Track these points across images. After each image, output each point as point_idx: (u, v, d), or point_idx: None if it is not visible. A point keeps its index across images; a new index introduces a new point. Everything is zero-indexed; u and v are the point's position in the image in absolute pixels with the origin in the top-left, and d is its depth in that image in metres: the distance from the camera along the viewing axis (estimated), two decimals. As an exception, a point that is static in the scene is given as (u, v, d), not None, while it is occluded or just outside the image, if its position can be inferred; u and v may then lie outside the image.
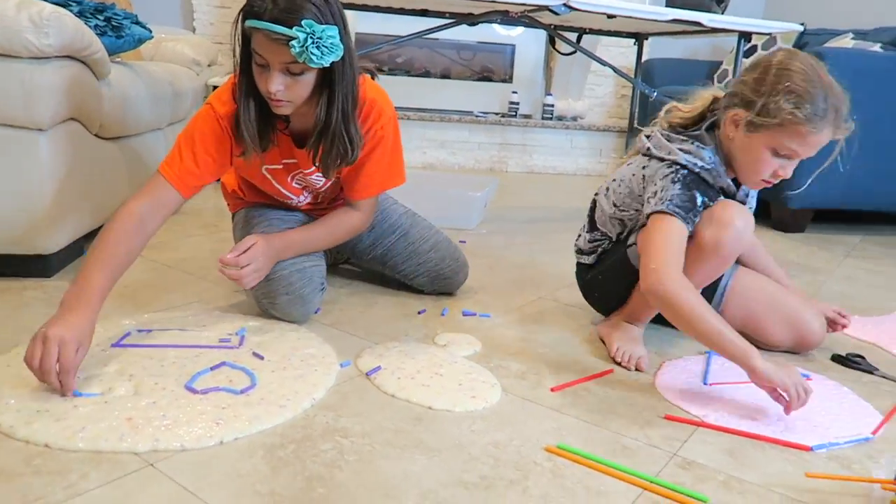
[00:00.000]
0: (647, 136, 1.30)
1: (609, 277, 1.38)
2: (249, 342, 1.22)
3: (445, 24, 2.30)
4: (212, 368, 1.10)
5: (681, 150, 1.22)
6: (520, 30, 4.01)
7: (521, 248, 2.09)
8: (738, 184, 1.28)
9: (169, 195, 1.22)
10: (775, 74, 1.12)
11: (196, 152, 1.23)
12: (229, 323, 1.30)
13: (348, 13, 1.37)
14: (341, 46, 1.13)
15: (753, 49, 3.58)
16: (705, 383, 1.19)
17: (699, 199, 1.19)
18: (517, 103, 4.00)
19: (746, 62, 1.19)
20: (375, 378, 1.12)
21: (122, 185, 1.82)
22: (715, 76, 3.77)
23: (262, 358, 1.16)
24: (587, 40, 3.27)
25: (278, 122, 1.27)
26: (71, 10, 1.57)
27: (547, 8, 2.07)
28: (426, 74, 4.06)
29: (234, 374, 1.09)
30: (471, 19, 2.27)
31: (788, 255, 2.26)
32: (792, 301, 1.35)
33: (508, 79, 4.13)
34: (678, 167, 1.21)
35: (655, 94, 2.52)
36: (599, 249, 1.41)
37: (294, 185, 1.40)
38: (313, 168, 1.33)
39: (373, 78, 1.36)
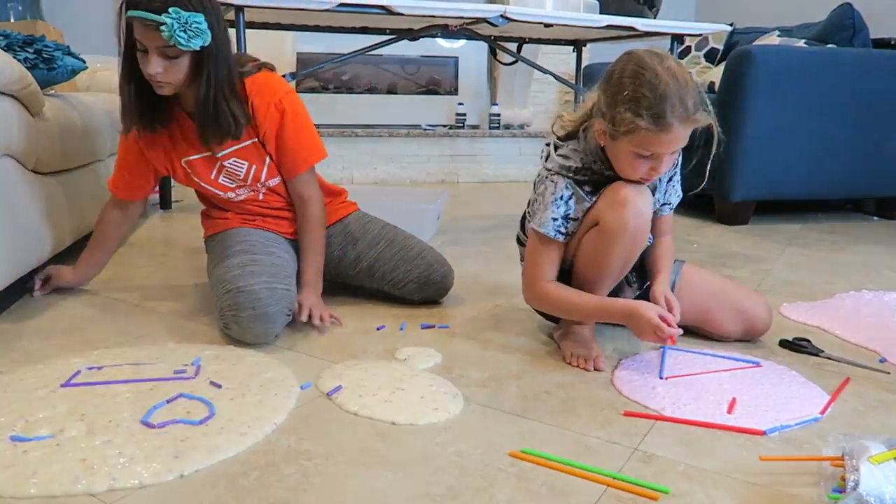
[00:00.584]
0: (547, 144, 1.34)
1: None
2: (206, 371, 1.20)
3: (387, 41, 2.31)
4: (168, 401, 1.08)
5: (559, 155, 1.27)
6: (462, 42, 4.05)
7: (476, 258, 2.11)
8: None
9: (126, 205, 1.58)
10: (615, 83, 1.15)
11: (121, 163, 1.52)
12: (184, 353, 1.28)
13: (289, 33, 1.47)
14: (208, 32, 1.27)
15: (688, 50, 3.70)
16: (661, 377, 1.21)
17: (564, 208, 1.25)
18: (464, 114, 4.04)
19: (606, 73, 1.21)
20: (337, 397, 1.11)
21: (64, 221, 1.77)
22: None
23: (219, 386, 1.14)
24: (528, 49, 3.33)
25: (178, 112, 1.41)
26: (-1, 45, 1.53)
27: (485, 20, 2.10)
28: (372, 90, 4.07)
29: (191, 404, 1.07)
30: (411, 34, 2.29)
31: (734, 246, 2.33)
32: (736, 291, 1.40)
33: (454, 91, 4.17)
34: (549, 174, 1.27)
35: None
36: None
37: (220, 180, 1.47)
38: (226, 152, 1.44)
39: (271, 71, 1.48)
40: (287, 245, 1.52)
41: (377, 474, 0.90)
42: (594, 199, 1.25)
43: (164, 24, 1.22)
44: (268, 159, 1.47)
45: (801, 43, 2.95)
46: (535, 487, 0.88)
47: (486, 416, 1.07)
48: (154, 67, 1.27)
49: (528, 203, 1.35)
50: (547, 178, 1.27)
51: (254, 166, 1.46)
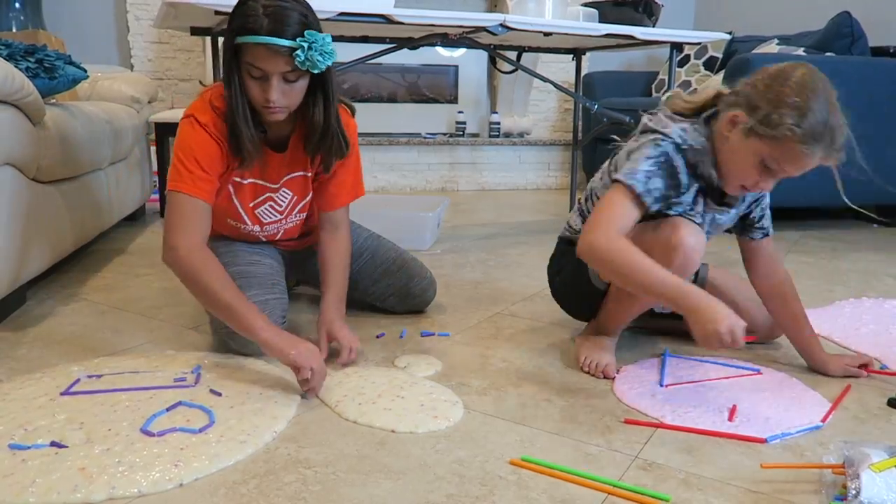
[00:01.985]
0: (650, 118, 1.25)
1: (570, 283, 1.39)
2: (206, 379, 1.20)
3: (387, 49, 2.32)
4: (168, 409, 1.08)
5: (680, 128, 1.19)
6: (462, 51, 4.07)
7: (476, 266, 2.11)
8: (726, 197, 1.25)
9: (200, 211, 1.24)
10: (792, 87, 1.08)
11: (200, 162, 1.25)
12: (184, 361, 1.28)
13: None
14: (335, 51, 1.21)
15: (686, 58, 3.71)
16: (661, 385, 1.21)
17: (664, 182, 1.16)
18: (464, 123, 4.05)
19: (765, 70, 1.15)
20: (336, 406, 1.11)
21: (65, 229, 1.77)
22: (653, 86, 3.89)
23: (219, 394, 1.13)
24: (527, 58, 3.35)
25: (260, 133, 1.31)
26: (0, 54, 1.54)
27: (484, 29, 2.11)
28: (372, 99, 4.08)
29: (191, 413, 1.07)
30: (412, 43, 2.30)
31: (734, 254, 2.33)
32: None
33: (454, 99, 4.18)
34: (665, 138, 1.18)
35: (597, 106, 2.58)
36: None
37: (258, 211, 1.41)
38: (282, 182, 1.38)
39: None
40: (270, 248, 1.49)
41: (377, 482, 0.90)
42: (680, 196, 1.18)
43: (300, 48, 1.15)
44: (309, 195, 1.43)
45: (800, 51, 2.96)
46: (535, 495, 0.87)
47: (486, 423, 1.07)
48: (276, 93, 1.18)
49: (622, 153, 1.24)
50: (653, 140, 1.17)
51: (295, 197, 1.42)
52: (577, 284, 1.36)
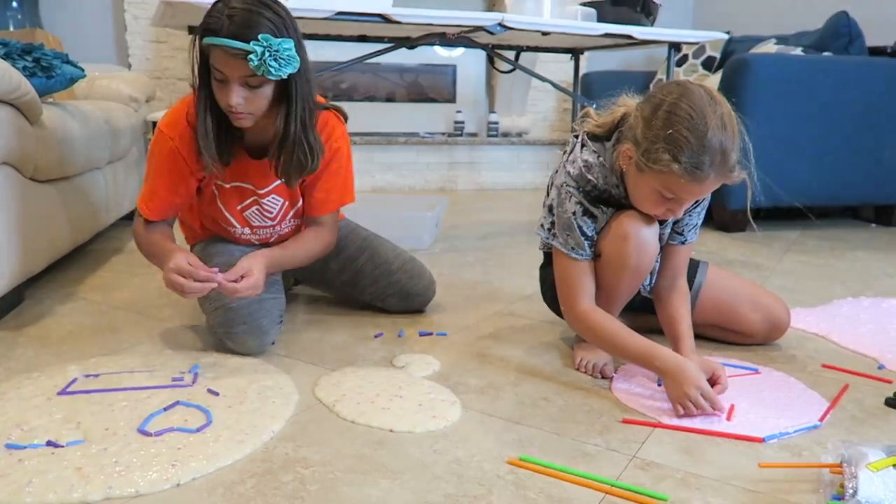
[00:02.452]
0: (575, 136, 1.27)
1: (555, 291, 1.39)
2: (203, 379, 1.19)
3: (385, 49, 2.32)
4: (165, 409, 1.07)
5: (584, 162, 1.20)
6: (460, 50, 4.07)
7: (475, 266, 2.11)
8: None
9: (160, 226, 1.35)
10: (662, 118, 1.07)
11: (156, 181, 1.31)
12: (181, 361, 1.27)
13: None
14: (297, 58, 1.19)
15: (685, 58, 3.71)
16: (659, 384, 1.21)
17: (582, 233, 1.20)
18: (462, 122, 4.05)
19: (648, 97, 1.14)
20: (334, 406, 1.11)
21: (62, 228, 1.77)
22: (651, 86, 3.89)
23: (217, 394, 1.13)
24: (526, 57, 3.34)
25: (234, 138, 1.30)
26: (-3, 53, 1.53)
27: (482, 28, 2.11)
28: (370, 99, 4.08)
29: (188, 412, 1.07)
30: (410, 43, 2.30)
31: (732, 253, 2.33)
32: (758, 291, 1.41)
33: (452, 99, 4.18)
34: (566, 184, 1.21)
35: (595, 106, 2.57)
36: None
37: (246, 214, 1.40)
38: (269, 188, 1.37)
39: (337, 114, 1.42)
40: (266, 249, 1.47)
41: (374, 482, 0.90)
42: (608, 217, 1.22)
43: (253, 52, 1.13)
44: (300, 201, 1.43)
45: (798, 51, 2.96)
46: (532, 495, 0.87)
47: (484, 423, 1.07)
48: (236, 98, 1.17)
49: (544, 204, 1.29)
50: (563, 187, 1.21)
51: (286, 203, 1.41)
52: (555, 292, 1.35)
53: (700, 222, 1.30)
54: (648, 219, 1.20)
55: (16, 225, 1.49)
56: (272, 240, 1.47)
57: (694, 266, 1.40)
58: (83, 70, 1.94)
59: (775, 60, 2.69)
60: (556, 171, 1.28)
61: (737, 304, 1.38)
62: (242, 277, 1.22)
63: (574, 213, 1.21)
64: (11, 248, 1.47)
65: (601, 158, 1.21)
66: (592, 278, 1.24)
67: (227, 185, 1.36)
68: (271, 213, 1.41)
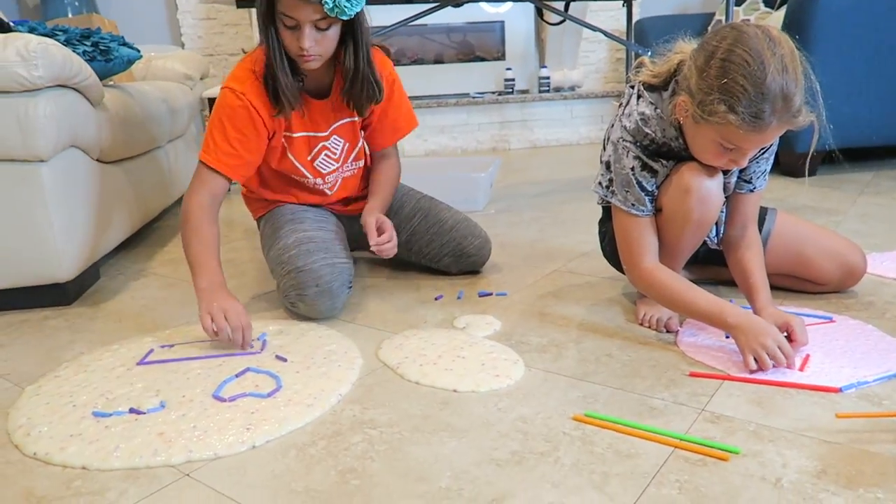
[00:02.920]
0: (631, 87, 1.23)
1: (615, 245, 1.36)
2: (271, 346, 1.23)
3: (431, 9, 2.29)
4: (237, 376, 1.11)
5: (641, 114, 1.16)
6: (507, 5, 3.97)
7: (531, 224, 2.09)
8: None
9: (218, 182, 1.32)
10: (716, 67, 1.02)
11: (228, 134, 1.31)
12: (249, 329, 1.31)
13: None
14: None
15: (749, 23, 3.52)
16: (727, 336, 1.18)
17: (641, 188, 1.17)
18: (513, 80, 3.98)
19: (702, 43, 1.07)
20: (397, 368, 1.13)
21: (131, 207, 1.83)
22: (709, 29, 3.72)
23: (284, 360, 1.17)
24: (575, 7, 3.24)
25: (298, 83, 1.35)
26: (57, 39, 1.58)
27: (530, -21, 2.05)
28: (419, 61, 4.04)
29: (259, 378, 1.11)
30: (455, 0, 2.26)
31: (801, 199, 2.23)
32: (831, 237, 1.35)
33: (501, 56, 4.10)
34: (622, 139, 1.17)
35: (650, 53, 2.48)
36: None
37: (316, 163, 1.46)
38: (331, 129, 1.43)
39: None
40: (335, 218, 1.54)
41: (441, 441, 0.91)
42: (669, 171, 1.18)
43: None
44: (361, 140, 1.52)
45: (870, -21, 2.76)
46: (599, 451, 0.87)
47: (547, 381, 1.07)
48: (308, 41, 1.23)
49: (601, 160, 1.26)
50: (620, 142, 1.18)
51: (347, 144, 1.48)
52: (615, 248, 1.32)
53: (769, 168, 1.25)
54: (711, 170, 1.15)
55: (89, 206, 1.56)
56: (337, 185, 1.52)
57: (763, 213, 1.35)
58: (139, 51, 1.98)
59: (846, -9, 2.52)
60: (612, 126, 1.23)
61: (808, 251, 1.33)
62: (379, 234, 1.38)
63: (633, 169, 1.17)
64: (87, 227, 1.54)
65: (658, 110, 1.16)
66: (655, 235, 1.20)
67: (296, 136, 1.41)
68: (335, 154, 1.47)
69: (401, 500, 0.79)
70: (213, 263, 1.27)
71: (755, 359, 1.05)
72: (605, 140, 1.28)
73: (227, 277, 1.65)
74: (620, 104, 1.24)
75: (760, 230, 1.32)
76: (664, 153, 1.19)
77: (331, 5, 1.19)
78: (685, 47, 1.16)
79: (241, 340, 1.20)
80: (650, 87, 1.19)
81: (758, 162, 1.22)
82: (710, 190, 1.15)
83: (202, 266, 1.26)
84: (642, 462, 0.84)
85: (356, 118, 1.45)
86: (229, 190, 1.36)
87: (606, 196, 1.24)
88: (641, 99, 1.18)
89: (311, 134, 1.43)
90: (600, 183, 1.25)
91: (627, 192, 1.18)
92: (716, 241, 1.28)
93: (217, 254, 1.29)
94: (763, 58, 0.99)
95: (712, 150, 1.10)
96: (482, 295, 1.46)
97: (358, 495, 0.81)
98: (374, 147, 1.55)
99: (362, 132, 1.52)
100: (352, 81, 1.35)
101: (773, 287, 1.35)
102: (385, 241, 1.38)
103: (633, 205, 1.19)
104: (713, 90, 1.02)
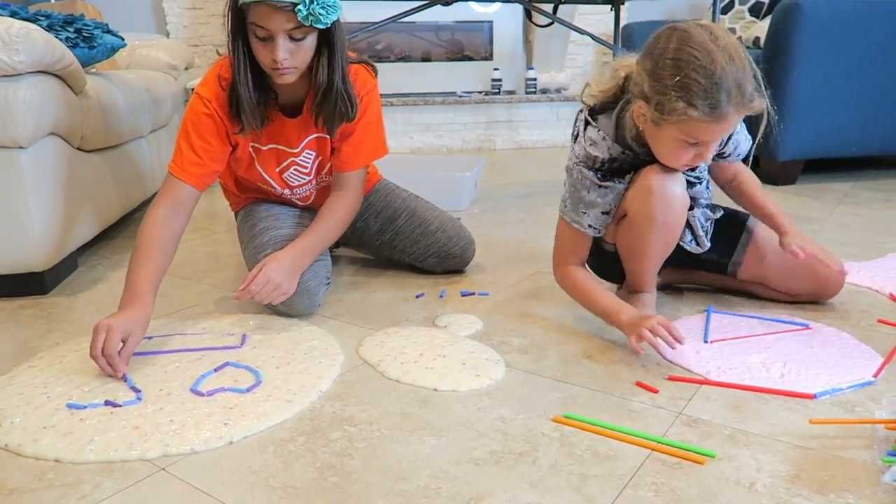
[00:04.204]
0: (580, 111, 1.26)
1: (598, 262, 1.39)
2: (251, 340, 1.22)
3: (420, 6, 2.28)
4: (216, 370, 1.10)
5: (587, 140, 1.20)
6: (496, 6, 3.98)
7: (515, 225, 2.09)
8: None
9: (183, 191, 1.27)
10: (668, 67, 1.04)
11: (193, 143, 1.27)
12: (229, 323, 1.30)
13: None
14: (339, 4, 1.18)
15: (731, 4, 3.56)
16: (706, 341, 1.19)
17: (591, 205, 1.22)
18: (500, 80, 3.98)
19: (653, 35, 1.11)
20: (378, 365, 1.13)
21: (111, 197, 1.81)
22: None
23: (264, 356, 1.16)
24: (564, 10, 3.25)
25: (269, 99, 1.30)
26: (40, 25, 1.55)
27: (519, -19, 2.05)
28: (406, 59, 4.04)
29: (238, 373, 1.10)
30: (444, -1, 2.26)
31: (781, 207, 2.26)
32: (814, 251, 1.32)
33: (489, 56, 4.11)
34: (575, 164, 1.22)
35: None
36: None
37: (285, 175, 1.42)
38: (302, 145, 1.37)
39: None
40: (311, 211, 1.50)
41: (421, 439, 0.91)
42: (626, 183, 1.21)
43: (300, 2, 1.12)
44: (332, 153, 1.43)
45: (854, -8, 2.80)
46: (578, 452, 0.88)
47: (528, 381, 1.07)
48: (283, 52, 1.16)
49: (565, 182, 1.28)
50: (574, 167, 1.23)
51: (320, 158, 1.42)
52: (595, 251, 1.34)
53: (744, 151, 1.29)
54: (672, 172, 1.17)
55: (67, 194, 1.53)
56: (311, 198, 1.49)
57: (743, 219, 1.37)
58: (123, 39, 1.96)
59: (829, 3, 2.55)
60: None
61: (784, 263, 1.33)
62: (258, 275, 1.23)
63: (586, 190, 1.21)
64: (65, 216, 1.52)
65: (601, 133, 1.19)
66: (587, 249, 1.29)
67: (265, 148, 1.37)
68: (306, 168, 1.43)
69: (379, 497, 0.79)
70: (138, 276, 1.16)
71: (639, 336, 1.10)
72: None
73: (209, 271, 1.63)
74: (573, 133, 1.26)
75: (737, 240, 1.35)
76: (616, 170, 1.21)
77: (305, 13, 1.13)
78: (628, 60, 1.18)
79: (105, 369, 1.06)
80: (597, 111, 1.22)
81: (722, 152, 1.27)
82: (673, 191, 1.18)
83: (127, 279, 1.17)
84: (620, 464, 0.85)
85: (325, 133, 1.37)
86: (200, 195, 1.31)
87: (563, 212, 1.27)
88: (589, 126, 1.22)
89: (281, 147, 1.37)
90: (563, 201, 1.28)
91: (584, 213, 1.23)
92: (694, 244, 1.29)
93: (153, 270, 1.18)
94: (710, 51, 1.02)
95: (676, 150, 1.12)
96: (465, 294, 1.46)
97: (336, 492, 0.80)
98: (333, 167, 1.42)
99: None
100: (324, 95, 1.27)
101: (747, 295, 1.39)
102: (249, 290, 1.22)
103: (573, 220, 1.25)
104: (668, 90, 1.04)
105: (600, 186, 1.21)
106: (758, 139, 1.19)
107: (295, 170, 1.41)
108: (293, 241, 1.33)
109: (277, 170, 1.40)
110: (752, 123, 1.18)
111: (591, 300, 1.23)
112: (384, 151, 1.45)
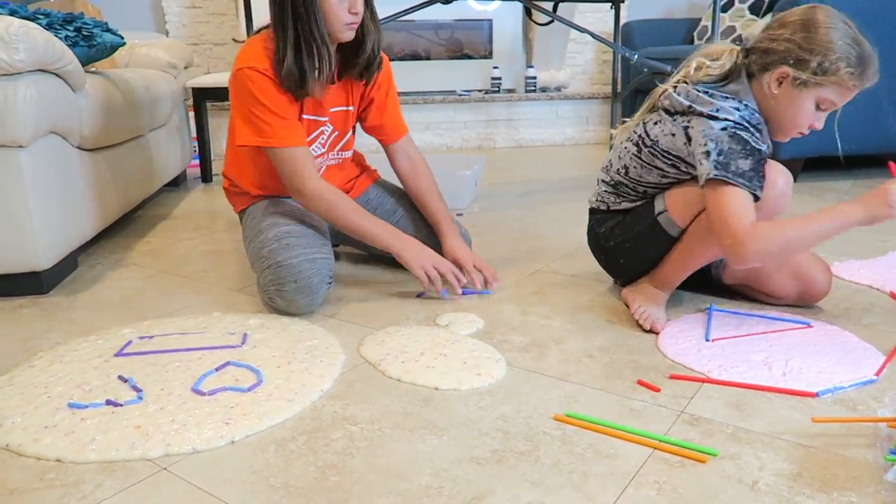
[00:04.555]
0: (677, 92, 1.23)
1: (637, 246, 1.33)
2: (252, 339, 1.22)
3: (420, 4, 2.28)
4: (217, 369, 1.10)
5: (732, 107, 1.18)
6: (496, 4, 3.97)
7: (515, 223, 2.09)
8: None
9: (303, 155, 1.35)
10: (822, 33, 1.14)
11: (275, 109, 1.31)
12: (230, 322, 1.30)
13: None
14: None
15: (731, 2, 3.56)
16: (707, 339, 1.19)
17: (758, 160, 1.16)
18: (499, 78, 3.98)
19: (779, 16, 1.21)
20: (379, 364, 1.12)
21: (111, 195, 1.81)
22: (695, 33, 3.75)
23: (266, 354, 1.16)
24: (564, 8, 3.25)
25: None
26: (39, 23, 1.55)
27: (520, -21, 2.05)
28: (405, 57, 4.03)
29: (239, 372, 1.10)
30: (444, -3, 2.25)
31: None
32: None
33: (488, 54, 4.10)
34: (734, 125, 1.16)
35: (637, 56, 2.50)
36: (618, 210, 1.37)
37: (311, 148, 1.44)
38: (329, 115, 1.44)
39: None
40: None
41: (422, 438, 0.91)
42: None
43: None
44: (349, 132, 1.52)
45: (854, -10, 2.80)
46: (579, 451, 0.88)
47: (529, 380, 1.07)
48: (360, 4, 1.28)
49: (700, 153, 1.17)
50: (733, 133, 1.15)
51: (336, 132, 1.48)
52: (637, 247, 1.32)
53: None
54: (786, 170, 1.25)
55: (68, 193, 1.53)
56: (321, 172, 1.50)
57: None
58: (123, 38, 1.95)
59: (829, 1, 2.55)
60: (667, 133, 1.24)
61: (769, 269, 1.32)
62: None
63: (758, 152, 1.17)
64: (65, 215, 1.52)
65: (743, 102, 1.20)
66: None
67: (304, 118, 1.40)
68: (323, 140, 1.46)
69: (380, 497, 0.79)
70: (380, 226, 1.40)
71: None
72: (616, 166, 1.34)
73: (209, 270, 1.63)
74: (667, 111, 1.25)
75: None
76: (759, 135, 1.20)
77: None
78: (724, 45, 1.26)
79: (457, 279, 1.38)
80: (706, 90, 1.21)
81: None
82: (787, 188, 1.25)
83: (381, 234, 1.39)
84: (622, 463, 0.85)
85: (351, 106, 1.46)
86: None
87: (742, 184, 1.13)
88: (714, 98, 1.19)
89: (314, 118, 1.42)
90: (718, 167, 1.14)
91: (750, 167, 1.15)
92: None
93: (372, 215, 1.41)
94: (849, 25, 1.17)
95: (805, 116, 1.20)
96: (465, 293, 1.46)
97: (337, 491, 0.80)
98: (383, 143, 1.54)
99: (359, 122, 1.54)
100: (371, 44, 1.36)
101: (736, 295, 1.39)
102: (494, 279, 1.46)
103: (759, 187, 1.16)
104: (831, 52, 1.14)
105: (760, 147, 1.18)
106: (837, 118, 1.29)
107: (319, 140, 1.46)
108: (442, 234, 1.51)
109: (308, 139, 1.43)
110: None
111: (816, 226, 1.14)
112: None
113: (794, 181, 2.56)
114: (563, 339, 1.22)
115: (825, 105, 1.19)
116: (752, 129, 1.18)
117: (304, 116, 1.40)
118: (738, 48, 1.24)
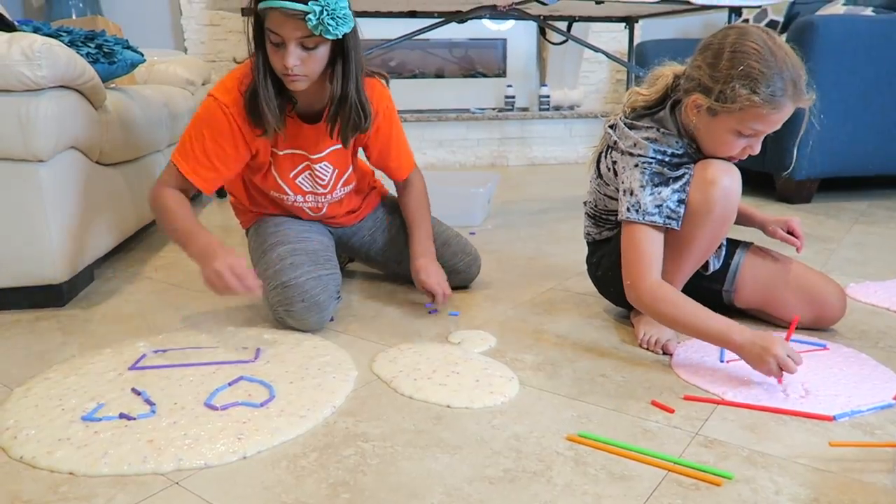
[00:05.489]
0: (612, 127, 1.26)
1: (617, 274, 1.33)
2: (265, 355, 1.22)
3: (435, 24, 2.30)
4: (230, 384, 1.11)
5: (646, 139, 1.19)
6: (510, 23, 4.00)
7: (528, 241, 2.09)
8: None
9: (189, 187, 1.32)
10: (729, 59, 1.10)
11: (206, 147, 1.30)
12: (243, 337, 1.31)
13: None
14: (352, 16, 1.21)
15: (745, 23, 3.56)
16: (722, 360, 1.18)
17: (672, 192, 1.17)
18: (513, 97, 4.00)
19: (705, 40, 1.19)
20: (391, 381, 1.12)
21: (128, 210, 1.83)
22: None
23: (278, 370, 1.16)
24: (578, 28, 3.27)
25: (287, 104, 1.33)
26: (62, 41, 1.58)
27: (535, -1, 2.07)
28: (420, 75, 4.06)
29: (252, 387, 1.10)
30: (460, 16, 2.28)
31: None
32: (806, 275, 1.31)
33: (502, 73, 4.13)
34: (645, 161, 1.18)
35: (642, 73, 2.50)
36: (601, 239, 1.40)
37: (298, 181, 1.43)
38: (321, 154, 1.40)
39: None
40: (319, 226, 1.53)
41: (434, 456, 0.91)
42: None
43: (311, 11, 1.14)
44: (350, 168, 1.47)
45: (869, 11, 2.80)
46: (593, 472, 0.87)
47: (542, 399, 1.07)
48: (293, 59, 1.19)
49: (623, 191, 1.21)
50: (642, 165, 1.18)
51: (336, 170, 1.44)
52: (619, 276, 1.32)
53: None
54: (731, 166, 1.19)
55: (86, 207, 1.55)
56: (324, 210, 1.50)
57: (734, 245, 1.35)
58: (143, 55, 1.98)
59: (844, 22, 2.55)
60: (607, 167, 1.27)
61: (777, 287, 1.31)
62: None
63: (664, 184, 1.17)
64: (83, 229, 1.53)
65: (661, 131, 1.20)
66: (661, 253, 1.19)
67: (281, 153, 1.39)
68: (323, 180, 1.44)
69: (392, 515, 0.79)
70: (201, 232, 1.27)
71: (769, 369, 1.05)
72: (598, 181, 1.33)
73: (199, 291, 1.64)
74: (609, 146, 1.27)
75: (729, 265, 1.33)
76: (681, 164, 1.20)
77: (315, 22, 1.15)
78: (672, 66, 1.25)
79: (250, 284, 1.21)
80: (636, 117, 1.24)
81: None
82: (732, 185, 1.17)
83: (194, 233, 1.26)
84: (636, 484, 0.84)
85: (339, 146, 1.41)
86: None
87: (637, 220, 1.17)
88: (635, 129, 1.22)
89: (299, 152, 1.39)
90: (629, 209, 1.19)
91: (659, 206, 1.17)
92: (718, 264, 1.31)
93: (198, 222, 1.30)
94: (769, 45, 1.10)
95: (729, 141, 1.15)
96: (432, 312, 1.45)
97: (349, 509, 0.80)
98: (392, 177, 1.56)
99: (358, 155, 1.52)
100: (338, 105, 1.29)
101: (749, 317, 1.37)
102: (442, 297, 1.42)
103: (667, 217, 1.17)
104: (731, 78, 1.10)
105: (675, 178, 1.18)
106: (798, 138, 1.25)
107: (309, 175, 1.43)
108: (418, 249, 1.47)
109: (292, 174, 1.42)
110: (793, 122, 1.20)
111: (694, 320, 1.12)
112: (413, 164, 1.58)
113: (809, 202, 2.57)
114: (575, 358, 1.22)
115: (748, 132, 1.13)
116: (667, 157, 1.19)
117: (281, 151, 1.38)
118: (680, 71, 1.22)
